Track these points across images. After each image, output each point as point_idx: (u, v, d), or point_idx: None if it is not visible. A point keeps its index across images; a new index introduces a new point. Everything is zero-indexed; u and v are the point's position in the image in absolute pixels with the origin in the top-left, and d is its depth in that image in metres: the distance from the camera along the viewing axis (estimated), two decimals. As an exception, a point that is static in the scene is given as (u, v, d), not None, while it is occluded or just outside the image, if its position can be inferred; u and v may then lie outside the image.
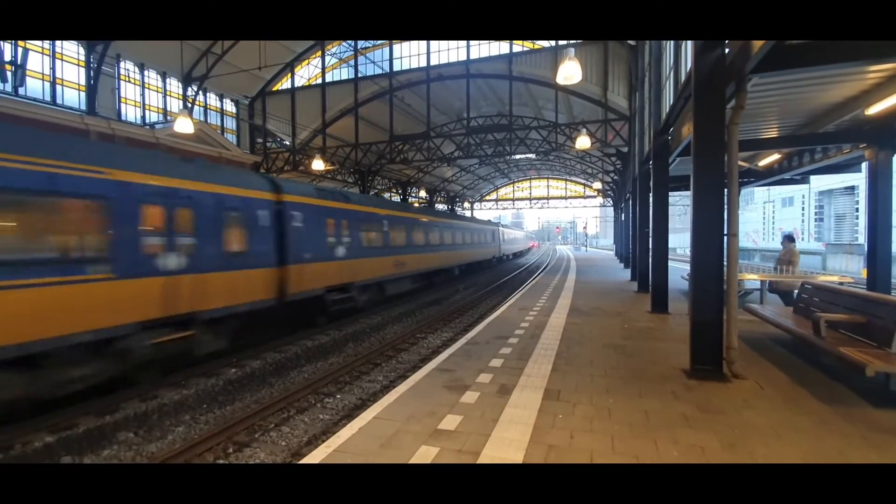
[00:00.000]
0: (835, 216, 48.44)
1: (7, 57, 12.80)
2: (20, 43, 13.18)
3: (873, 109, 6.56)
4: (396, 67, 20.88)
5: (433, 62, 20.21)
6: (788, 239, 9.93)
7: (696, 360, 4.98)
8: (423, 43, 20.18)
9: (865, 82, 5.98)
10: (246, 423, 5.43)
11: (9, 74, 12.85)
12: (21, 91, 13.42)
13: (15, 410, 5.16)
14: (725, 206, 4.90)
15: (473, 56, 19.56)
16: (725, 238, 4.87)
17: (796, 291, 8.91)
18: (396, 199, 32.82)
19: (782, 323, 5.74)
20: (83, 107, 15.08)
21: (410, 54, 20.89)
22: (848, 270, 25.95)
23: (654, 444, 3.33)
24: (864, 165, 10.11)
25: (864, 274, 9.39)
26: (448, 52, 20.11)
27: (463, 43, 19.57)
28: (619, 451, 3.25)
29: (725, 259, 4.88)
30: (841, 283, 7.65)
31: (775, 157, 11.05)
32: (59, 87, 14.70)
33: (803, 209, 52.62)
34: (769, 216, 59.11)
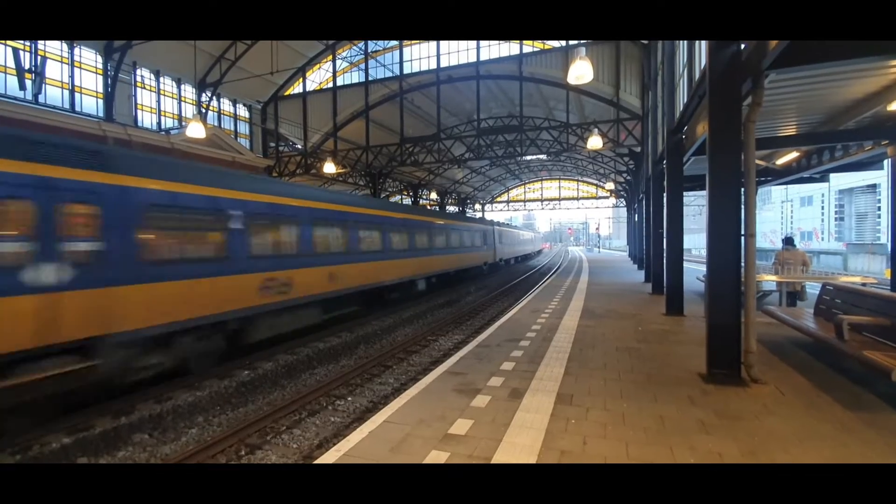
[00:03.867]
0: (855, 215, 47.30)
1: (26, 65, 13.11)
2: (39, 51, 13.51)
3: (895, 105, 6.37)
4: (406, 70, 20.94)
5: (443, 64, 20.21)
6: (787, 241, 10.15)
7: (714, 364, 4.86)
8: (433, 45, 20.21)
9: (887, 77, 5.80)
10: (258, 425, 5.44)
11: (28, 83, 13.16)
12: (40, 99, 13.74)
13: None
14: (742, 206, 4.79)
15: (483, 57, 19.51)
16: (742, 238, 4.76)
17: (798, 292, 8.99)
18: (407, 201, 32.99)
19: (803, 326, 5.58)
20: (101, 114, 15.40)
21: (420, 57, 20.93)
22: (870, 271, 25.31)
23: (669, 451, 3.25)
24: (886, 163, 9.82)
25: (887, 274, 9.16)
26: (458, 53, 20.09)
27: (473, 44, 19.54)
28: (633, 457, 3.18)
29: (743, 260, 4.77)
30: (864, 284, 7.44)
31: (793, 155, 10.80)
32: (77, 95, 15.03)
33: (823, 208, 51.50)
34: (787, 216, 58.00)
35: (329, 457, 3.27)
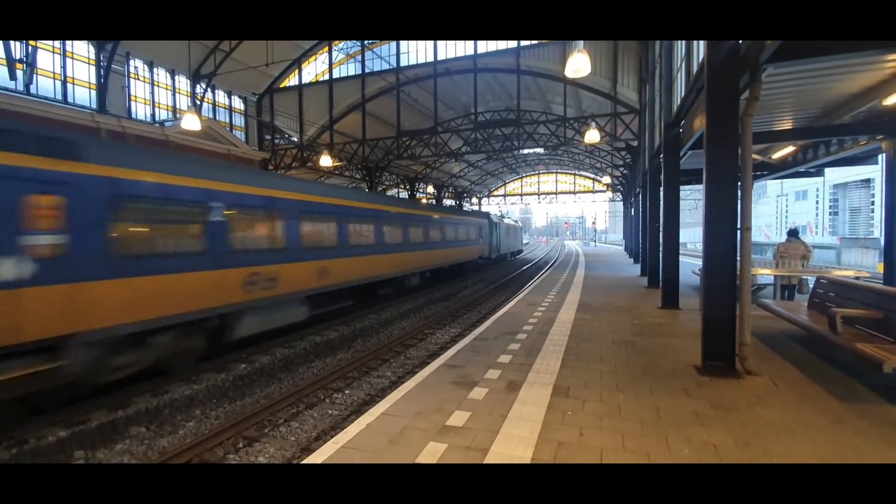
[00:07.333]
0: (849, 209, 47.63)
1: (17, 55, 12.92)
2: (30, 42, 13.31)
3: (891, 100, 6.38)
4: (403, 62, 20.81)
5: (440, 56, 20.10)
6: (790, 234, 10.13)
7: (709, 357, 4.91)
8: (430, 37, 20.08)
9: (883, 72, 5.81)
10: (255, 418, 5.45)
11: (19, 73, 12.98)
12: (32, 89, 13.56)
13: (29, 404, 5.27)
14: (739, 200, 4.81)
15: (481, 50, 19.41)
16: (738, 232, 4.79)
17: (797, 286, 9.04)
18: (404, 195, 32.92)
19: (797, 319, 5.64)
20: (94, 105, 15.22)
21: (417, 49, 20.80)
22: (863, 265, 25.53)
23: (665, 442, 3.29)
24: (881, 157, 9.88)
25: (880, 268, 9.24)
26: (455, 46, 19.98)
27: (470, 37, 19.43)
28: (629, 448, 3.21)
29: (738, 254, 4.80)
30: (857, 278, 7.50)
31: (789, 149, 10.83)
32: (69, 86, 14.84)
33: (817, 202, 51.82)
34: (782, 210, 58.33)
35: (327, 449, 3.28)
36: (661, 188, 9.76)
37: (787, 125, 8.67)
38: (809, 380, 4.58)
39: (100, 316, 5.47)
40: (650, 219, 12.73)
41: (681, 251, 10.47)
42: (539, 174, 48.14)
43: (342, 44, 21.56)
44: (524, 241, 46.31)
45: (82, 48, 15.17)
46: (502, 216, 35.22)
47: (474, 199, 49.02)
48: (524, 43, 18.54)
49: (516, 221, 43.64)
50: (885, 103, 6.52)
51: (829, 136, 9.00)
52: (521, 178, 49.46)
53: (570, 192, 47.54)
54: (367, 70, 21.10)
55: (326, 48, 21.49)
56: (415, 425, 3.64)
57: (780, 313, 6.12)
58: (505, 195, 51.48)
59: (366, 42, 20.43)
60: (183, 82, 18.95)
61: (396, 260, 13.41)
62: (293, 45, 20.80)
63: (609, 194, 43.26)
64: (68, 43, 14.76)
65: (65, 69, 14.73)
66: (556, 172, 46.77)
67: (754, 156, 10.42)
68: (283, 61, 20.27)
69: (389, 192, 32.90)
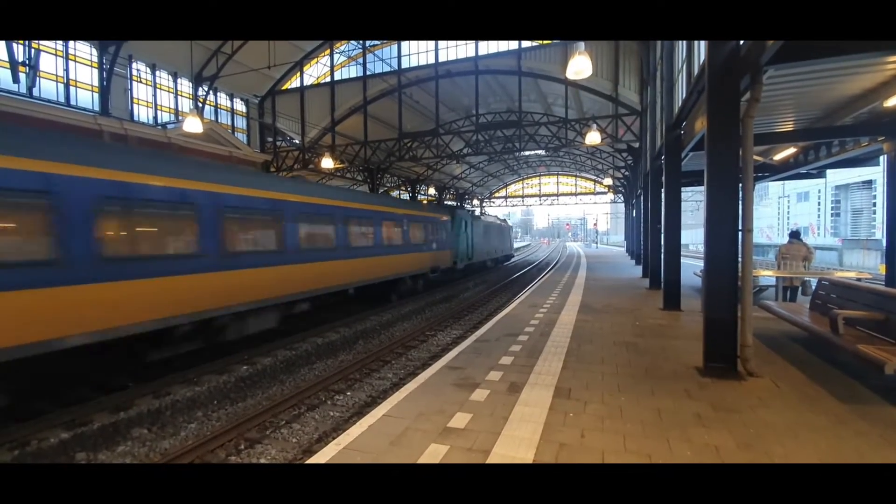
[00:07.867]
0: (851, 211, 47.57)
1: (20, 58, 12.97)
2: (33, 44, 13.36)
3: (891, 101, 6.39)
4: (405, 64, 20.85)
5: (441, 58, 20.13)
6: (792, 235, 10.15)
7: (710, 358, 4.91)
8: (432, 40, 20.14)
9: (884, 73, 5.82)
10: (257, 420, 5.46)
11: (22, 76, 13.03)
12: (34, 92, 13.61)
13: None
14: (740, 202, 4.81)
15: (482, 52, 19.44)
16: (740, 234, 4.79)
17: (801, 287, 9.03)
18: (405, 196, 32.89)
19: (799, 320, 5.63)
20: (96, 108, 15.28)
21: (419, 51, 20.84)
22: (865, 266, 25.49)
23: (666, 444, 3.28)
24: (882, 159, 9.87)
25: (881, 270, 9.23)
26: (456, 48, 20.01)
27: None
28: (631, 450, 3.21)
29: (740, 255, 4.80)
30: (858, 279, 7.49)
31: (791, 150, 10.83)
32: (72, 89, 14.90)
33: (819, 204, 51.75)
34: (784, 211, 58.26)
35: (329, 450, 3.29)
36: (663, 189, 9.76)
37: (788, 127, 8.68)
38: (811, 381, 4.57)
39: None
40: (652, 220, 12.73)
41: (682, 252, 10.47)
42: (540, 176, 48.13)
43: (344, 46, 21.62)
44: (523, 244, 41.85)
45: (85, 51, 15.24)
46: (482, 212, 28.76)
47: (475, 201, 49.02)
48: (525, 44, 18.56)
49: (503, 220, 34.84)
50: (886, 105, 6.52)
51: (830, 138, 9.01)
52: (523, 179, 49.43)
53: (571, 194, 47.51)
54: (368, 72, 21.14)
55: (328, 50, 21.55)
56: (416, 427, 3.65)
57: (781, 315, 6.11)
58: (506, 197, 51.48)
59: (367, 44, 20.49)
60: (185, 85, 19.01)
61: (204, 285, 7.13)
62: (295, 48, 20.86)
63: (610, 196, 43.25)
64: (71, 45, 14.82)
65: (67, 72, 14.79)
66: (558, 174, 46.75)
67: (755, 157, 10.41)
68: (284, 64, 20.31)
69: (391, 194, 32.86)
